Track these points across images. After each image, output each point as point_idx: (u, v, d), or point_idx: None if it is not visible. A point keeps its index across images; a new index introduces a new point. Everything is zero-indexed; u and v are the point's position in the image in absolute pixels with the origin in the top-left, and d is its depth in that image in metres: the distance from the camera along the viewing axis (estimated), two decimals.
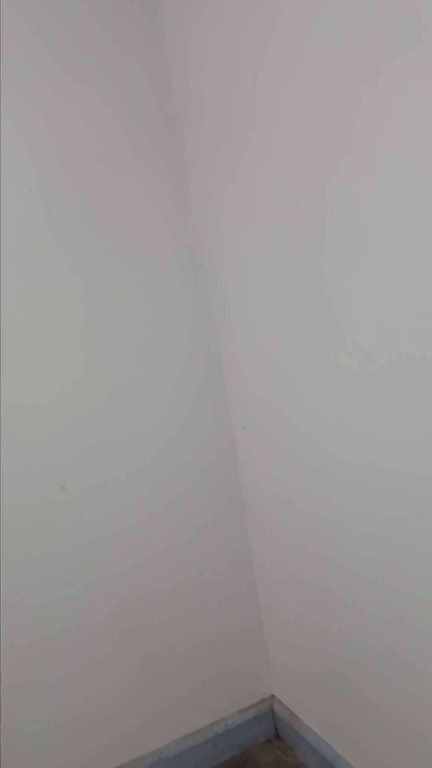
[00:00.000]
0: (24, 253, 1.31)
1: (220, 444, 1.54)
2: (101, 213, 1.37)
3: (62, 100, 1.31)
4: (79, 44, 1.32)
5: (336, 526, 1.23)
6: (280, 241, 1.21)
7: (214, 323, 1.50)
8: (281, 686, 1.64)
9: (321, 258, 1.11)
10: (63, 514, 1.37)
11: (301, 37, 1.03)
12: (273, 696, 1.67)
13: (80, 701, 1.43)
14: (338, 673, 1.35)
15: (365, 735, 1.31)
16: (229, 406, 1.53)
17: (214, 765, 1.59)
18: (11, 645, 1.34)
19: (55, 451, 1.36)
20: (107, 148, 1.36)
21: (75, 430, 1.37)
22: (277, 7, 1.06)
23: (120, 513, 1.43)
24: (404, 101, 0.87)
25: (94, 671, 1.43)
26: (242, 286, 1.37)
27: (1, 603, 1.33)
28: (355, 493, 1.15)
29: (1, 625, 1.33)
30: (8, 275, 1.29)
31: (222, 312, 1.47)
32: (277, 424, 1.35)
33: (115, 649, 1.45)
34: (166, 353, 1.46)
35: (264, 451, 1.43)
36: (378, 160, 0.93)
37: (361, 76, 0.93)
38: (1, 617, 1.33)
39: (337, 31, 0.95)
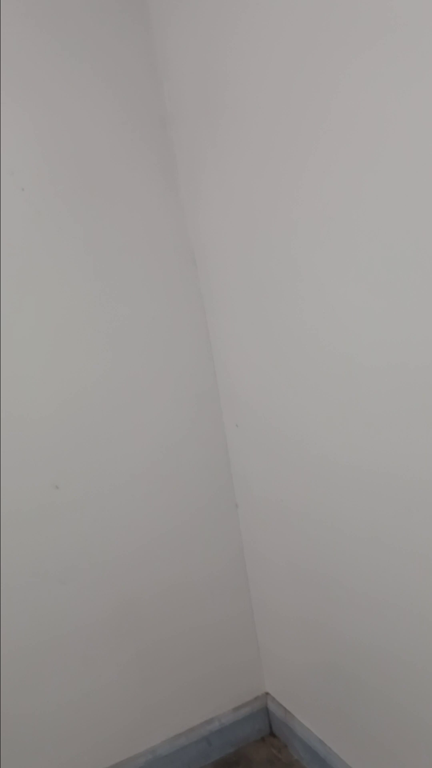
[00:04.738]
0: (24, 246, 1.30)
1: (213, 442, 1.54)
2: (101, 207, 1.36)
3: (61, 93, 1.31)
4: (76, 40, 1.31)
5: (329, 520, 1.23)
6: (260, 238, 1.21)
7: (206, 320, 1.50)
8: (275, 683, 1.64)
9: (295, 254, 1.12)
10: (58, 510, 1.37)
11: (277, 33, 1.03)
12: (267, 693, 1.67)
13: (76, 699, 1.43)
14: (332, 669, 1.35)
15: (359, 731, 1.31)
16: (221, 404, 1.53)
17: (208, 763, 1.59)
18: (7, 642, 1.34)
19: (52, 447, 1.35)
20: (106, 143, 1.36)
21: (72, 426, 1.37)
22: (254, 6, 1.07)
23: (114, 511, 1.43)
24: (376, 97, 0.87)
25: (89, 670, 1.43)
26: (230, 282, 1.37)
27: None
28: (349, 488, 1.15)
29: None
30: (7, 269, 1.29)
31: (213, 308, 1.47)
32: (270, 421, 1.35)
33: (111, 648, 1.45)
34: (161, 350, 1.46)
35: (257, 449, 1.43)
36: (372, 156, 0.93)
37: (330, 79, 0.94)
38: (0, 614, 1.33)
39: (309, 30, 0.95)
